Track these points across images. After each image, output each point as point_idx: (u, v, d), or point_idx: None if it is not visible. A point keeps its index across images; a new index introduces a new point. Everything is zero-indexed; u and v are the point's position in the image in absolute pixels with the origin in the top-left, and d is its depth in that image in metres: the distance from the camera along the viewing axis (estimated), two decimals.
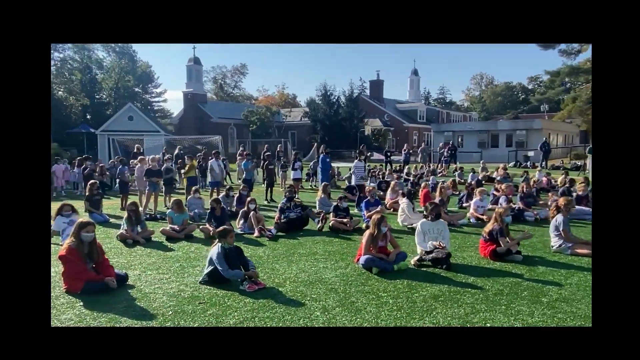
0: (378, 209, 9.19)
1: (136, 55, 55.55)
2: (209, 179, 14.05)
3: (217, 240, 5.82)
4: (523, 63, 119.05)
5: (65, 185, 17.11)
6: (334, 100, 45.15)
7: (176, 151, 18.83)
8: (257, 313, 4.63)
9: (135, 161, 17.33)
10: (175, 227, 8.59)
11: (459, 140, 42.29)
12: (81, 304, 4.99)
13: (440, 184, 11.43)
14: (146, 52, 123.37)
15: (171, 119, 54.92)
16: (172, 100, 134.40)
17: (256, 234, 8.53)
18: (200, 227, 8.77)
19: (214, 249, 5.66)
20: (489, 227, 6.64)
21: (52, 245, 8.01)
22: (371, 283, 5.56)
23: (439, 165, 25.41)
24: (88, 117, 50.99)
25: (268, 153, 14.91)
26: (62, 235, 8.28)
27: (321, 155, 14.14)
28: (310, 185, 17.48)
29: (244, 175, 13.78)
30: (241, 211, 9.05)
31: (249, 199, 9.29)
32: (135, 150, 20.29)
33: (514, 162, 30.85)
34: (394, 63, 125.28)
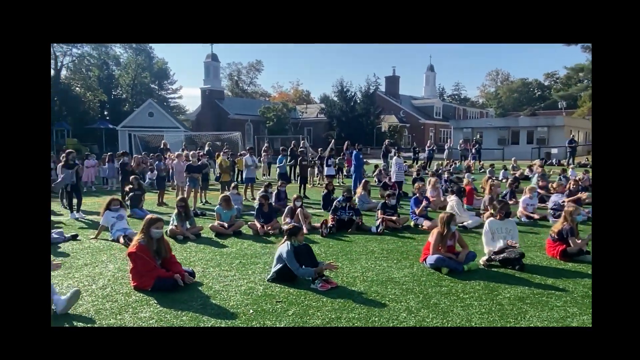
0: (423, 205, 9.01)
1: (152, 51, 55.63)
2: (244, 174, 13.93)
3: (284, 237, 5.70)
4: (538, 59, 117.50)
5: (95, 181, 17.13)
6: (351, 96, 44.89)
7: (207, 148, 18.76)
8: (341, 313, 4.49)
9: (173, 156, 17.38)
10: (224, 223, 8.49)
11: (477, 136, 41.80)
12: (155, 301, 4.89)
13: (490, 180, 11.17)
14: (162, 49, 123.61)
15: (187, 115, 55.10)
16: (186, 97, 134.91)
17: (304, 231, 8.39)
18: (249, 223, 8.66)
19: (284, 247, 5.53)
20: (557, 226, 6.43)
21: (101, 241, 8.00)
22: (446, 284, 5.39)
23: (463, 163, 25.10)
24: (105, 113, 51.40)
25: (302, 149, 14.76)
26: (111, 231, 8.24)
27: (354, 152, 13.97)
28: (338, 182, 17.33)
29: (279, 170, 13.65)
30: (287, 208, 8.92)
31: (294, 196, 9.16)
32: (161, 146, 20.32)
33: (538, 160, 30.34)
34: (408, 59, 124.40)
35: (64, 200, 12.18)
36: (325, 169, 13.68)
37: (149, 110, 35.73)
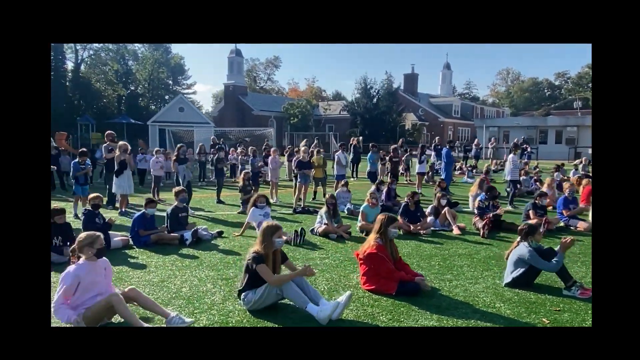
0: (581, 206, 8.71)
1: (170, 47, 55.01)
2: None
3: (519, 238, 5.36)
4: (548, 59, 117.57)
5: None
6: (374, 93, 44.59)
7: (264, 145, 18.38)
8: None
9: (237, 152, 16.98)
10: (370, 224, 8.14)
11: (503, 135, 41.66)
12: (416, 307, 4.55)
13: (586, 180, 10.95)
14: (177, 45, 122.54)
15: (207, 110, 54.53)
16: (200, 93, 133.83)
17: (456, 231, 8.07)
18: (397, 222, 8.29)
19: (523, 249, 5.18)
20: None
21: (246, 238, 7.63)
22: None
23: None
24: (122, 108, 50.80)
25: (394, 146, 14.40)
26: (257, 228, 7.88)
27: (444, 149, 13.65)
28: (406, 180, 17.00)
29: (369, 168, 13.26)
30: (431, 207, 8.59)
31: (438, 194, 8.81)
32: (211, 143, 19.93)
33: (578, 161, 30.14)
34: (421, 57, 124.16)
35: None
36: (417, 166, 13.32)
37: (180, 105, 35.14)
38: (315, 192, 12.27)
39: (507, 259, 5.40)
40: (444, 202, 8.51)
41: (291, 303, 4.45)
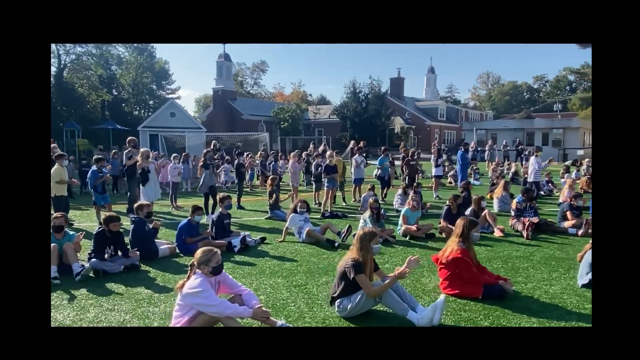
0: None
1: (154, 51, 54.19)
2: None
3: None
4: (527, 62, 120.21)
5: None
6: (363, 97, 44.79)
7: (261, 149, 18.25)
8: None
9: (261, 156, 16.77)
10: (412, 227, 8.10)
11: (490, 138, 42.33)
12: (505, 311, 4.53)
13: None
14: (161, 49, 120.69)
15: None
16: (183, 98, 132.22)
17: (498, 233, 8.11)
18: (440, 225, 8.27)
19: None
20: None
21: (291, 243, 7.51)
22: None
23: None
24: (106, 113, 49.68)
25: (412, 149, 14.40)
26: (297, 234, 7.79)
27: (460, 152, 13.75)
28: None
29: (378, 173, 13.20)
30: (470, 210, 8.61)
31: (477, 196, 8.84)
32: (212, 147, 19.66)
33: (569, 162, 30.86)
34: (405, 61, 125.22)
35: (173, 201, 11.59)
36: (434, 169, 13.36)
37: (171, 111, 34.59)
38: (334, 197, 12.19)
39: (580, 260, 5.44)
40: (483, 204, 8.55)
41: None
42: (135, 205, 6.99)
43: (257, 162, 16.65)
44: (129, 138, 10.31)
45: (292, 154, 12.69)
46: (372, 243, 4.57)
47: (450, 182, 16.31)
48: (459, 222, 5.19)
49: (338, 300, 4.40)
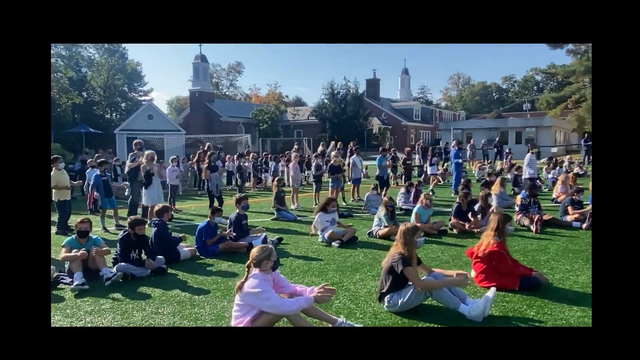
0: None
1: (127, 53, 52.98)
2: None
3: None
4: (496, 63, 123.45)
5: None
6: (341, 98, 45.07)
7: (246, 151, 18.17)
8: None
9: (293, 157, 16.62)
10: (426, 225, 8.25)
11: (466, 137, 43.23)
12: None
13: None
14: (133, 51, 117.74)
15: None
16: (154, 100, 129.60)
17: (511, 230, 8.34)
18: (451, 222, 8.44)
19: None
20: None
21: (312, 244, 7.51)
22: None
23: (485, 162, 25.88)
24: (76, 116, 48.20)
25: (408, 149, 14.59)
26: (320, 232, 7.80)
27: (452, 151, 14.04)
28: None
29: (377, 173, 13.37)
30: (478, 206, 8.82)
31: (485, 192, 9.06)
32: (205, 148, 19.45)
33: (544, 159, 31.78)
34: (379, 63, 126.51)
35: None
36: (429, 168, 13.61)
37: (148, 113, 33.90)
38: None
39: None
40: (490, 200, 8.78)
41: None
42: (157, 208, 6.87)
43: (248, 164, 16.56)
44: (135, 141, 10.10)
45: (293, 155, 12.69)
46: (416, 237, 4.64)
47: (440, 181, 16.62)
48: (493, 217, 5.34)
49: (388, 295, 4.45)
